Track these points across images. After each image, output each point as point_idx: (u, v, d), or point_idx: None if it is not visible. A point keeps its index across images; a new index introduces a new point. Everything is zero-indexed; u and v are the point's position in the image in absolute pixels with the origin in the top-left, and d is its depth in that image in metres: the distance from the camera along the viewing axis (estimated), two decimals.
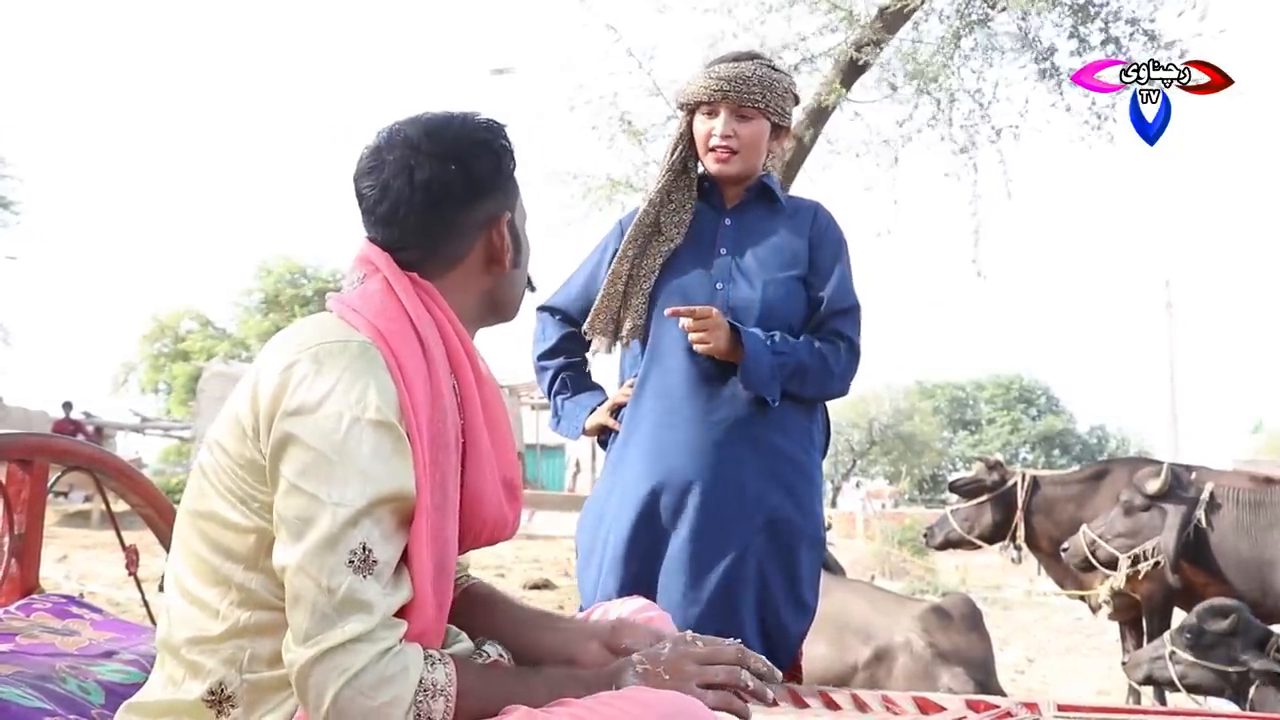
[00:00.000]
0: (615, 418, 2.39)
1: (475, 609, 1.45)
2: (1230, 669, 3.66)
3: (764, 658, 1.30)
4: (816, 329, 2.32)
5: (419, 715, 1.12)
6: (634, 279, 2.35)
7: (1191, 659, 3.74)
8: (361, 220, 1.35)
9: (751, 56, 2.38)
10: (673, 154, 2.39)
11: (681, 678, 1.24)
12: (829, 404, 2.44)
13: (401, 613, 1.16)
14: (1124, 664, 4.31)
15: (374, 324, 1.23)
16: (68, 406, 17.59)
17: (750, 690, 1.25)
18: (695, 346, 2.21)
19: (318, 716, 1.11)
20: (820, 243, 2.36)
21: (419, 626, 1.17)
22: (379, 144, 1.32)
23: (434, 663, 1.15)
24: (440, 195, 1.30)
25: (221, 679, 1.20)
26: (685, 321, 2.21)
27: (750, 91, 2.28)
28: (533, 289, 1.49)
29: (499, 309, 1.43)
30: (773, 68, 2.37)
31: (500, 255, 1.36)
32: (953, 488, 6.23)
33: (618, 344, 2.41)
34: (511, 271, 1.39)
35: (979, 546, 5.98)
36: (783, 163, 5.69)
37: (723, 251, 2.34)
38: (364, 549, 1.12)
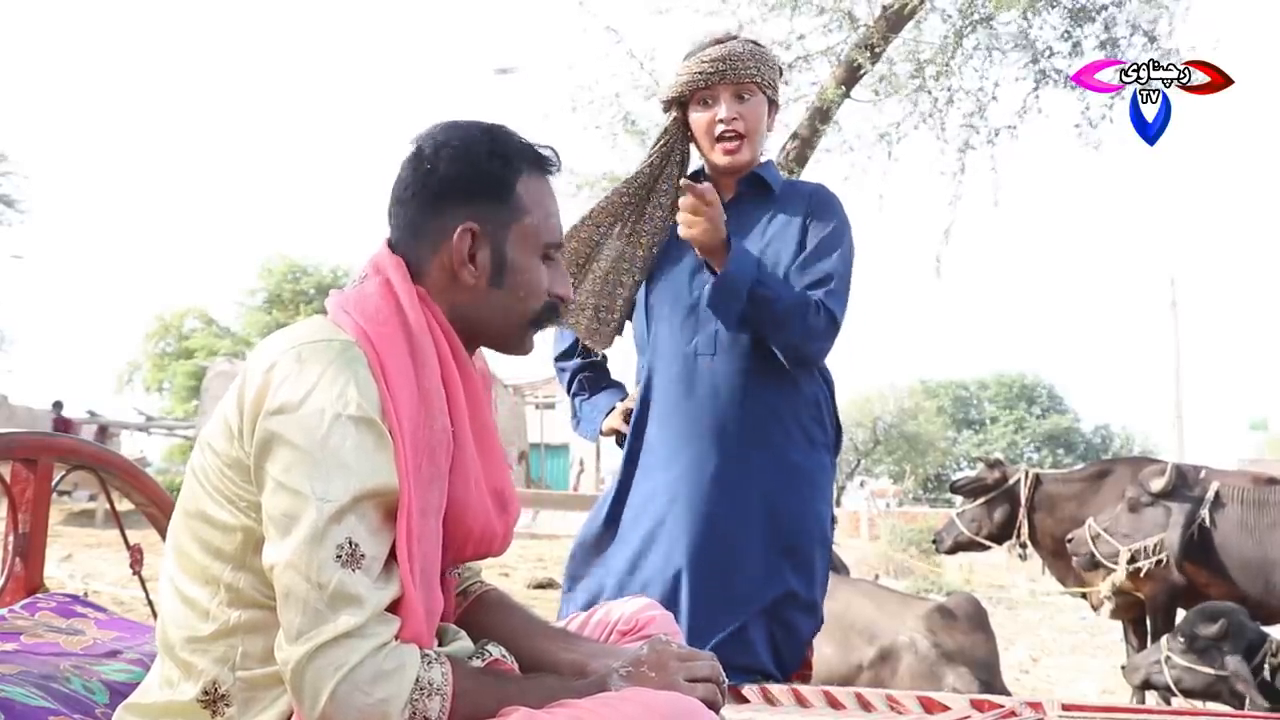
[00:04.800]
0: (628, 422, 2.38)
1: (489, 616, 1.45)
2: (1223, 673, 3.66)
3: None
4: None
5: (414, 713, 1.12)
6: (609, 284, 2.30)
7: (1185, 664, 3.74)
8: None
9: (731, 36, 2.30)
10: (656, 145, 2.31)
11: (668, 673, 1.25)
12: (837, 402, 2.42)
13: (393, 610, 1.16)
14: (1123, 668, 4.31)
15: (361, 325, 1.24)
16: (58, 405, 17.53)
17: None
18: (680, 229, 2.14)
19: (314, 714, 1.10)
20: (814, 220, 2.28)
21: (410, 626, 1.17)
22: None
23: (430, 662, 1.16)
24: (414, 197, 1.32)
25: (214, 678, 1.21)
26: (684, 200, 2.12)
27: (746, 67, 2.21)
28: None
29: (482, 333, 1.36)
30: (755, 42, 2.31)
31: (455, 266, 1.30)
32: (953, 488, 6.22)
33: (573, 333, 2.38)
34: (486, 290, 1.32)
35: (988, 547, 5.97)
36: (783, 156, 5.68)
37: None
38: (350, 543, 1.12)
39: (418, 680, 1.13)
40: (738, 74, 2.21)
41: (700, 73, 2.23)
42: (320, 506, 1.12)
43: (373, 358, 1.21)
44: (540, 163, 1.37)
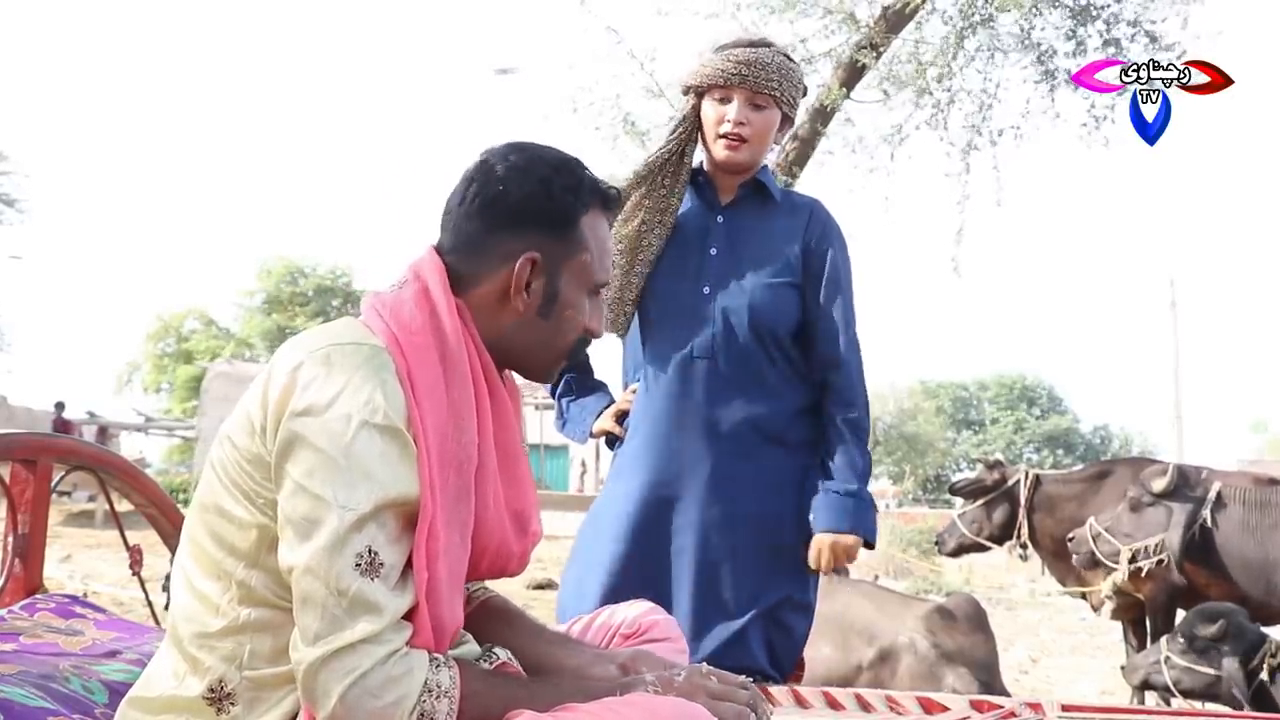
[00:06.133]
0: (620, 423, 2.38)
1: (492, 622, 1.45)
2: (1222, 674, 3.65)
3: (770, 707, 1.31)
4: (820, 365, 2.28)
5: (423, 716, 1.12)
6: (627, 264, 2.29)
7: (1185, 664, 3.74)
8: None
9: (766, 44, 2.30)
10: (673, 133, 2.31)
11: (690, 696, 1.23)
12: None
13: (407, 618, 1.16)
14: (1123, 668, 4.31)
15: (393, 331, 1.23)
16: (60, 406, 17.60)
17: None
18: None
19: (323, 715, 1.11)
20: (816, 247, 2.29)
21: (423, 634, 1.17)
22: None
23: (439, 665, 1.16)
24: (479, 210, 1.31)
25: (221, 676, 1.21)
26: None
27: (768, 79, 2.21)
28: (582, 364, 1.42)
29: (515, 358, 1.36)
30: (787, 56, 2.30)
31: (511, 292, 1.31)
32: (953, 490, 6.22)
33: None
34: (533, 320, 1.33)
35: (990, 548, 5.96)
36: (783, 157, 5.68)
37: (713, 252, 2.29)
38: (370, 551, 1.13)
39: (426, 683, 1.13)
40: (757, 83, 2.21)
41: (721, 70, 2.23)
42: (342, 514, 1.12)
43: (401, 365, 1.20)
44: (606, 202, 1.37)
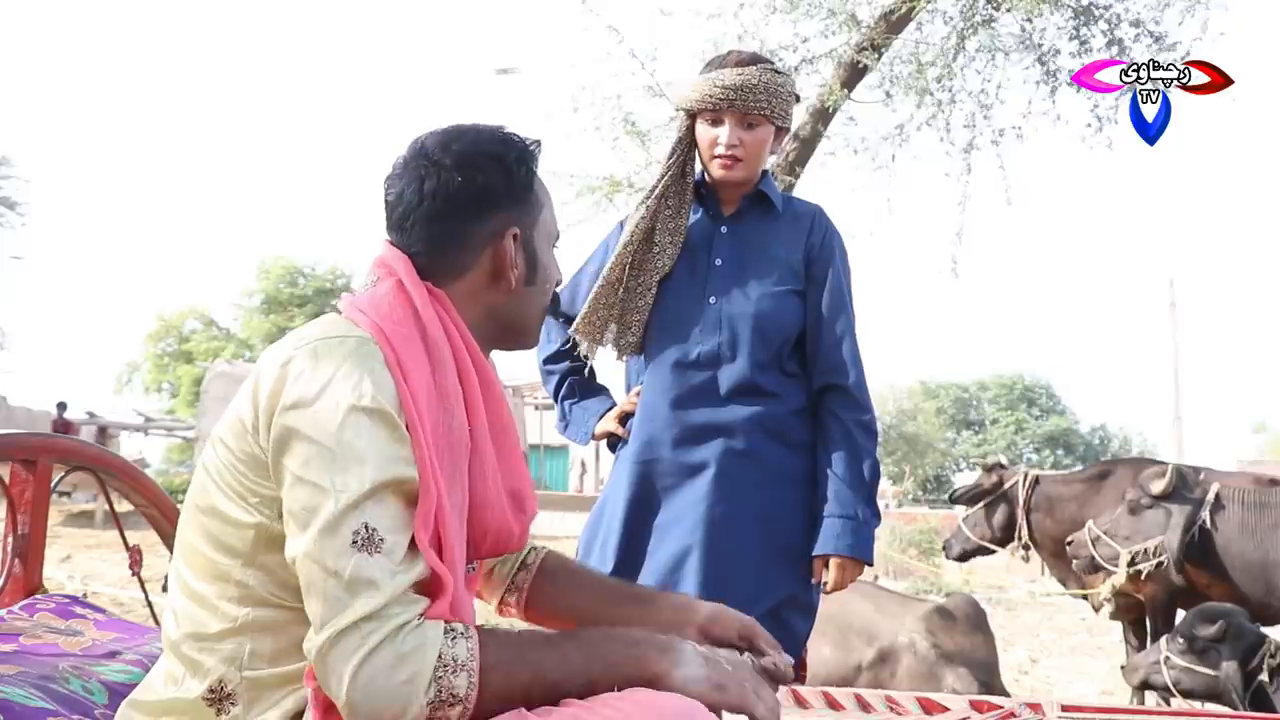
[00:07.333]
0: (623, 425, 2.39)
1: (555, 585, 1.46)
2: (1221, 674, 3.66)
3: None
4: (824, 371, 2.30)
5: (440, 692, 1.10)
6: (630, 293, 2.32)
7: (1184, 665, 3.74)
8: (385, 223, 1.38)
9: (754, 60, 2.32)
10: (672, 157, 2.35)
11: (737, 681, 1.22)
12: None
13: (424, 591, 1.15)
14: (1123, 669, 4.31)
15: (378, 323, 1.24)
16: (62, 406, 17.65)
17: None
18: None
19: (339, 699, 1.09)
20: (819, 255, 2.33)
21: (440, 604, 1.15)
22: (404, 153, 1.36)
23: (454, 637, 1.13)
24: (445, 205, 1.32)
25: (221, 677, 1.20)
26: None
27: (756, 101, 2.23)
28: (554, 314, 1.48)
29: (512, 330, 1.41)
30: (775, 71, 2.31)
31: (505, 270, 1.35)
32: (953, 499, 6.23)
33: (603, 350, 2.40)
34: (523, 290, 1.38)
35: (995, 551, 5.96)
36: (783, 159, 5.68)
37: (718, 262, 2.32)
38: (366, 528, 1.12)
39: (441, 657, 1.11)
40: (746, 106, 2.24)
41: (709, 95, 2.25)
42: (337, 498, 1.12)
43: (389, 354, 1.21)
44: (537, 158, 1.41)
